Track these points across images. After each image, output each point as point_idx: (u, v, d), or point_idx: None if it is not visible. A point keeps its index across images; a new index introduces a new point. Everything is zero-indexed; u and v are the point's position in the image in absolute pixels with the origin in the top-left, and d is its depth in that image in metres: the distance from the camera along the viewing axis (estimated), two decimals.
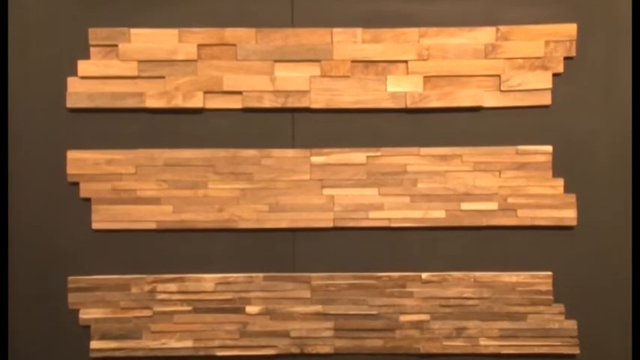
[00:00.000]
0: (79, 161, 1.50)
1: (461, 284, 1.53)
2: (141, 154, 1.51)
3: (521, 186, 1.51)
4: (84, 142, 1.51)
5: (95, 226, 1.51)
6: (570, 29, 1.49)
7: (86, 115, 1.50)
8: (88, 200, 1.51)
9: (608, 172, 1.51)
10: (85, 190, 1.51)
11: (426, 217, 1.52)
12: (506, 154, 1.51)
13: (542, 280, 1.52)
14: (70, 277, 1.51)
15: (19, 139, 1.51)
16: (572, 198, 1.51)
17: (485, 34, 1.50)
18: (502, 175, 1.51)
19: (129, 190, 1.51)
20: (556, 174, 1.51)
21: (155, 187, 1.51)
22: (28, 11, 1.49)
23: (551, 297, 1.52)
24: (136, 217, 1.51)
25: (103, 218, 1.51)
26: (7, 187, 1.49)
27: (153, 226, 1.51)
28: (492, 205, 1.51)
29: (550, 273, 1.52)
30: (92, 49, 1.49)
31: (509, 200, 1.51)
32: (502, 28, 1.49)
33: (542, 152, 1.50)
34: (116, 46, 1.49)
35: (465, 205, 1.51)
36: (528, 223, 1.51)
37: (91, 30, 1.48)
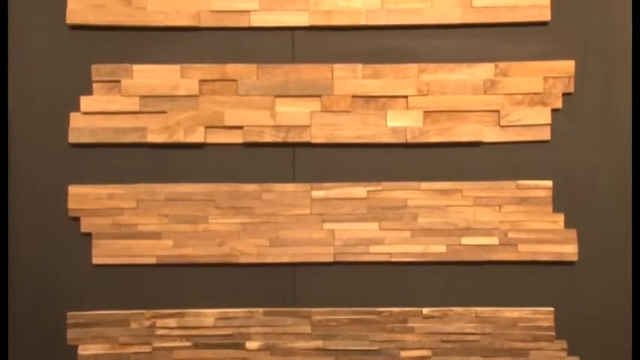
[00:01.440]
0: (80, 196, 1.51)
1: (462, 319, 1.52)
2: (142, 189, 1.51)
3: (522, 221, 1.51)
4: (85, 177, 1.51)
5: (95, 261, 1.51)
6: (568, 66, 1.50)
7: (88, 150, 1.51)
8: (88, 235, 1.51)
9: (609, 207, 1.51)
10: (86, 224, 1.51)
11: (426, 252, 1.52)
12: (506, 188, 1.51)
13: (544, 315, 1.51)
14: (69, 313, 1.50)
15: (21, 174, 1.51)
16: (572, 233, 1.50)
17: (484, 70, 1.51)
18: (502, 210, 1.51)
19: (130, 224, 1.51)
20: (556, 209, 1.51)
21: (156, 221, 1.51)
22: (31, 48, 1.51)
23: (553, 333, 1.51)
24: (137, 251, 1.51)
25: (103, 253, 1.51)
26: (8, 222, 1.50)
27: (153, 260, 1.51)
28: (493, 240, 1.51)
29: (552, 309, 1.51)
30: (95, 85, 1.50)
31: (510, 235, 1.51)
32: (501, 64, 1.51)
33: (543, 187, 1.51)
34: (119, 81, 1.50)
35: (466, 240, 1.51)
36: (529, 258, 1.51)
37: (94, 66, 1.50)
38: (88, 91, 1.50)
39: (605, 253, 1.51)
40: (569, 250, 1.50)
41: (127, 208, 1.51)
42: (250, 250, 1.52)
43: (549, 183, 1.51)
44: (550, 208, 1.51)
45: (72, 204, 1.50)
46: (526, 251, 1.51)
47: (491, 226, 1.51)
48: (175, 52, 1.52)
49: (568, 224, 1.51)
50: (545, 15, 1.49)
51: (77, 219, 1.51)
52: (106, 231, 1.51)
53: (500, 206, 1.51)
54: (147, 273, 1.52)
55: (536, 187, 1.51)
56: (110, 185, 1.51)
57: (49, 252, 1.52)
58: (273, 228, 1.52)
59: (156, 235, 1.51)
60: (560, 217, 1.51)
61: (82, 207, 1.51)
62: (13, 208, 1.51)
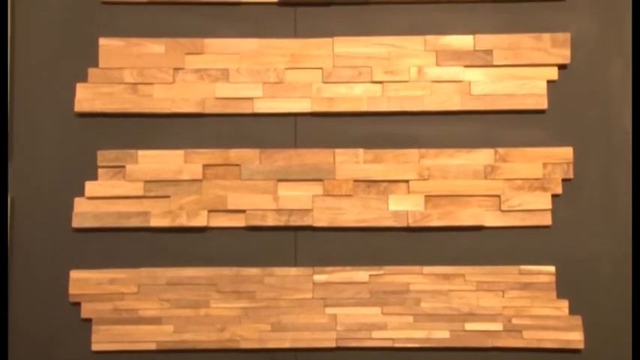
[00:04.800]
0: (82, 281, 1.50)
1: None
2: (144, 273, 1.51)
3: (526, 307, 1.49)
4: (88, 262, 1.51)
5: (95, 347, 1.49)
6: (566, 152, 1.52)
7: (91, 234, 1.52)
8: (88, 321, 1.50)
9: (612, 293, 1.50)
10: (87, 310, 1.50)
11: (430, 338, 1.50)
12: (509, 273, 1.51)
13: None
14: None
15: (22, 259, 1.52)
16: (578, 320, 1.49)
17: (483, 156, 1.53)
18: (506, 295, 1.50)
19: (130, 309, 1.50)
20: (561, 295, 1.50)
21: (157, 306, 1.50)
22: (37, 135, 1.54)
23: None
24: (137, 337, 1.49)
25: (103, 339, 1.49)
26: (8, 307, 1.49)
27: (153, 346, 1.49)
28: (497, 326, 1.49)
29: None
30: (100, 171, 1.53)
31: (514, 321, 1.49)
32: (500, 150, 1.53)
33: (545, 273, 1.50)
34: (123, 167, 1.53)
35: (470, 326, 1.50)
36: (535, 345, 1.48)
37: (99, 152, 1.52)
38: (94, 177, 1.52)
39: (610, 340, 1.49)
40: (574, 338, 1.48)
41: (128, 292, 1.51)
42: (252, 335, 1.50)
43: (552, 268, 1.50)
44: (554, 294, 1.50)
45: (73, 289, 1.50)
46: (531, 338, 1.49)
47: (495, 312, 1.50)
48: (180, 138, 1.54)
49: (573, 311, 1.49)
50: (542, 103, 1.52)
51: (78, 304, 1.50)
52: (106, 316, 1.50)
53: (503, 291, 1.50)
54: (146, 359, 1.50)
55: (539, 273, 1.50)
56: (112, 270, 1.51)
57: (49, 338, 1.50)
58: (274, 313, 1.51)
59: (156, 321, 1.50)
60: (565, 304, 1.49)
61: (83, 292, 1.50)
62: (14, 293, 1.51)
